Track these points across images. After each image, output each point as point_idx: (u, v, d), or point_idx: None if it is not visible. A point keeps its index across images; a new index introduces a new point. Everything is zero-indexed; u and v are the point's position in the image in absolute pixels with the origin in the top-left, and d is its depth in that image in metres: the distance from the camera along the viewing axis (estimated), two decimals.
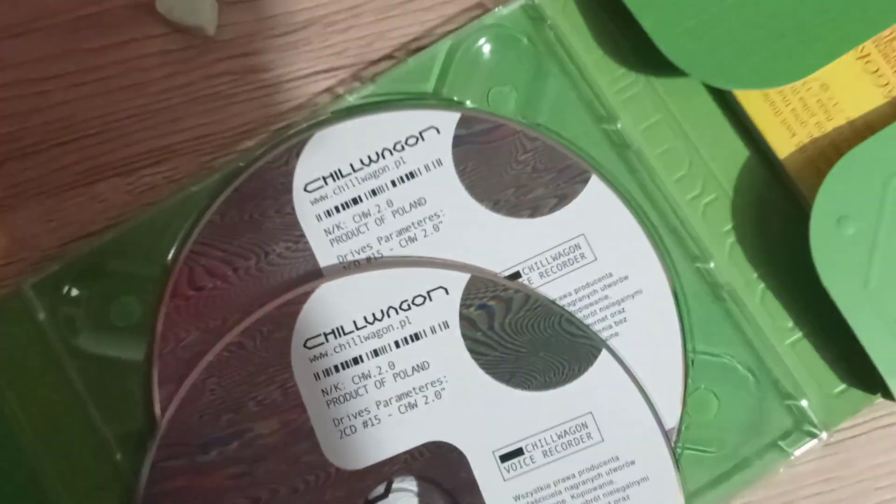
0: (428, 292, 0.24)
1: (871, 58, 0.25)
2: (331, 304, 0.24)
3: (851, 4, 0.24)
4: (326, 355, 0.24)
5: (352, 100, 0.26)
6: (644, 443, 0.24)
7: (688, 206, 0.26)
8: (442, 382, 0.24)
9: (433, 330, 0.24)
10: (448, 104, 0.26)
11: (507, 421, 0.24)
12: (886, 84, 0.25)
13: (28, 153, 0.27)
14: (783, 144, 0.25)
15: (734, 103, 0.26)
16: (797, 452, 0.24)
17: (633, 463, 0.24)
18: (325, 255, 0.25)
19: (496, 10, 0.26)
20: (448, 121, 0.25)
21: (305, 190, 0.25)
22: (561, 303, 0.24)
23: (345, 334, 0.24)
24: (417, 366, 0.24)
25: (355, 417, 0.24)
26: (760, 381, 0.25)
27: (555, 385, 0.24)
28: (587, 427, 0.24)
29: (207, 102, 0.27)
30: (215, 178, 0.26)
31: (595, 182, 0.25)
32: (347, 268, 0.24)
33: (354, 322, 0.24)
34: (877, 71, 0.25)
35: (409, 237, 0.25)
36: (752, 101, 0.25)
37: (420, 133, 0.25)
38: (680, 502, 0.23)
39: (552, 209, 0.25)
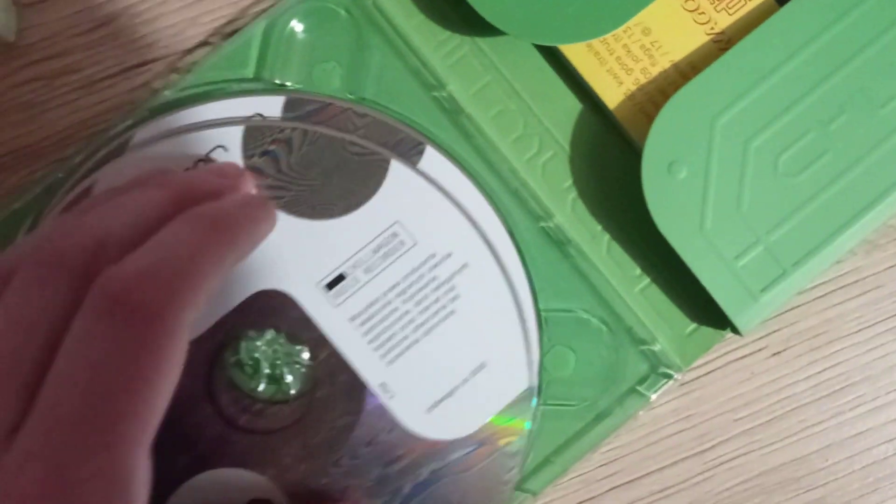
0: (207, 155, 0.24)
1: None
2: None
3: None
4: None
5: (169, 94, 0.24)
6: (454, 233, 0.24)
7: (526, 166, 0.25)
8: None
9: None
10: (271, 88, 0.24)
11: (321, 252, 0.24)
12: (708, 21, 0.25)
13: None
14: (611, 94, 0.25)
15: (561, 57, 0.25)
16: (655, 395, 0.25)
17: (450, 255, 0.24)
18: None
19: None
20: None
21: None
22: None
23: None
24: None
25: None
26: (614, 331, 0.25)
27: (357, 206, 0.24)
28: (398, 235, 0.24)
29: (19, 112, 0.25)
30: (38, 192, 0.24)
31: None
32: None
33: None
34: (697, 9, 0.25)
35: None
36: (576, 53, 0.25)
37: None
38: (499, 278, 0.24)
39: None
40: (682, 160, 0.24)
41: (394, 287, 0.24)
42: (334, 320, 0.24)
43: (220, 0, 0.25)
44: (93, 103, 0.25)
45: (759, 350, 0.26)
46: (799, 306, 0.26)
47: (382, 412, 0.24)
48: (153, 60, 0.25)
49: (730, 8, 0.25)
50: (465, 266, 0.24)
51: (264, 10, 0.25)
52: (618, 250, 0.25)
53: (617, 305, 0.25)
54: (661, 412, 0.26)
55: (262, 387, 0.24)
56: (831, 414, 0.26)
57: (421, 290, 0.24)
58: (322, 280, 0.24)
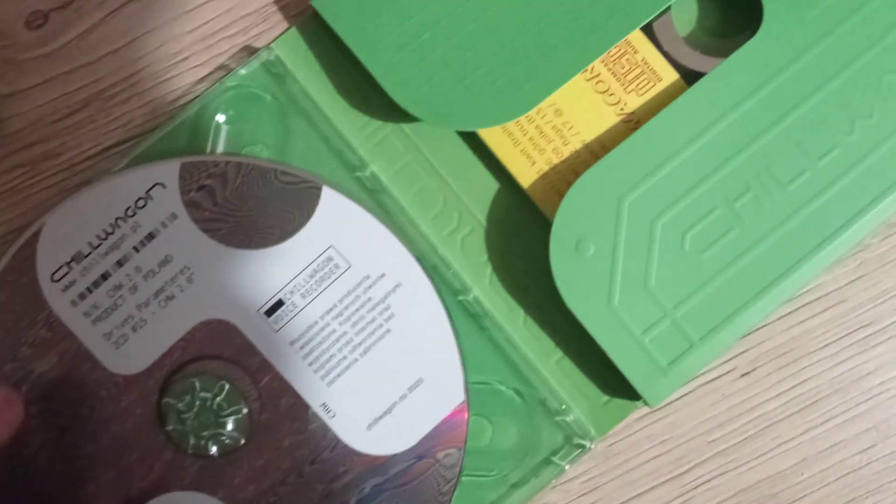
0: (147, 192, 0.25)
1: (601, 77, 0.25)
2: (62, 234, 0.24)
3: (573, 28, 0.24)
4: (76, 281, 0.24)
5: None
6: (386, 254, 0.25)
7: (446, 241, 0.26)
8: (189, 268, 0.24)
9: (164, 224, 0.25)
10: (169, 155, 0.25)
11: (259, 280, 0.25)
12: (618, 102, 0.25)
13: None
14: (525, 173, 0.25)
15: (478, 137, 0.25)
16: (569, 466, 0.25)
17: (383, 275, 0.25)
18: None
19: (237, 70, 0.26)
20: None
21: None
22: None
23: (85, 257, 0.24)
24: (162, 261, 0.24)
25: (123, 326, 0.24)
26: (529, 402, 0.25)
27: (292, 233, 0.25)
28: (333, 259, 0.25)
29: (7, 198, 0.26)
30: None
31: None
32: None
33: (89, 243, 0.24)
34: (607, 90, 0.25)
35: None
36: (491, 134, 0.25)
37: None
38: (432, 295, 0.25)
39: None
40: (590, 238, 0.24)
41: (331, 310, 0.25)
42: (275, 345, 0.25)
43: (186, 77, 0.26)
44: (75, 184, 0.26)
45: (728, 372, 0.26)
46: (764, 326, 0.26)
47: (325, 431, 0.25)
48: (128, 140, 0.26)
49: (639, 89, 0.25)
50: (398, 286, 0.25)
51: (197, 97, 0.26)
52: (533, 323, 0.25)
53: (532, 377, 0.25)
54: (636, 438, 0.26)
55: (189, 452, 0.24)
56: (804, 429, 0.26)
57: (357, 311, 0.25)
58: (262, 307, 0.25)
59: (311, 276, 0.25)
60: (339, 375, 0.25)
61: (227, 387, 0.25)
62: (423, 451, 0.25)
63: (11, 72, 0.27)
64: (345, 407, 0.25)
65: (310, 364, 0.25)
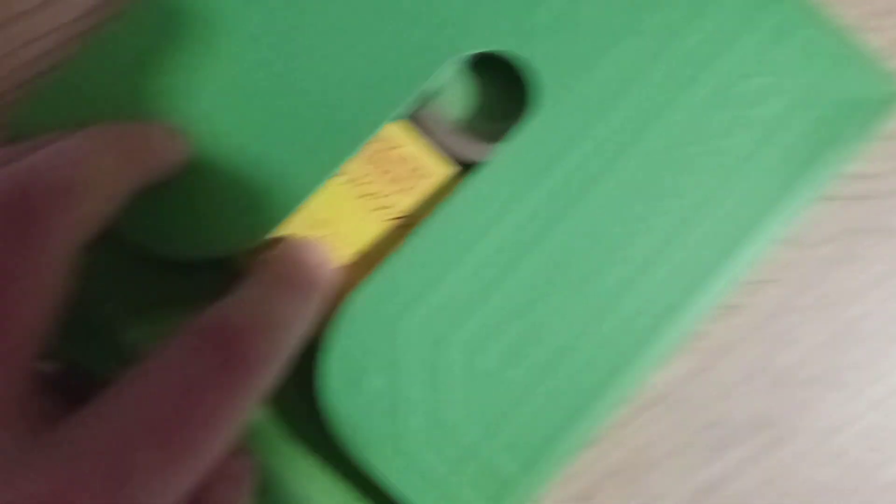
0: None
1: (366, 179, 0.21)
2: None
3: (316, 131, 0.21)
4: None
5: None
6: None
7: None
8: None
9: None
10: None
11: None
12: (388, 206, 0.21)
13: None
14: None
15: None
16: None
17: None
18: None
19: None
20: None
21: None
22: None
23: None
24: None
25: None
26: None
27: None
28: None
29: None
30: None
31: None
32: None
33: None
34: (373, 193, 0.21)
35: None
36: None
37: None
38: None
39: None
40: (370, 371, 0.20)
41: None
42: None
43: None
44: None
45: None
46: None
47: None
48: None
49: (409, 188, 0.21)
50: None
51: None
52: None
53: None
54: None
55: None
56: None
57: None
58: None
59: None
60: None
61: None
62: None
63: None
64: None
65: None
